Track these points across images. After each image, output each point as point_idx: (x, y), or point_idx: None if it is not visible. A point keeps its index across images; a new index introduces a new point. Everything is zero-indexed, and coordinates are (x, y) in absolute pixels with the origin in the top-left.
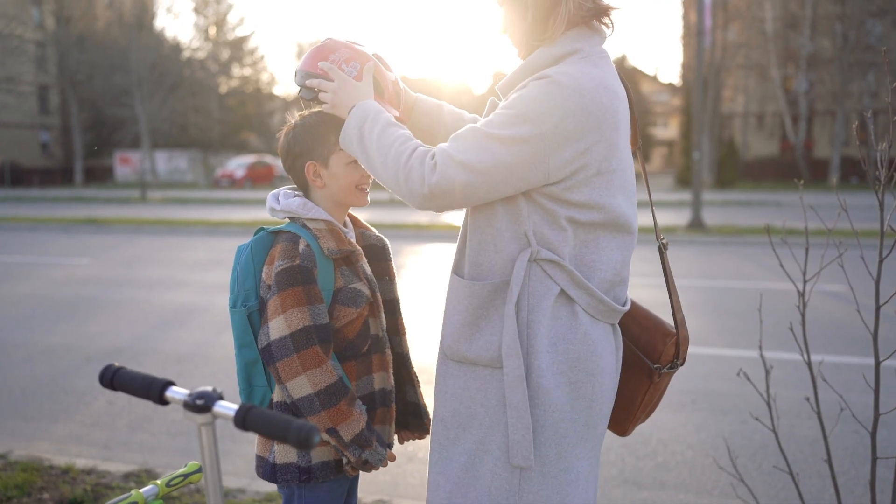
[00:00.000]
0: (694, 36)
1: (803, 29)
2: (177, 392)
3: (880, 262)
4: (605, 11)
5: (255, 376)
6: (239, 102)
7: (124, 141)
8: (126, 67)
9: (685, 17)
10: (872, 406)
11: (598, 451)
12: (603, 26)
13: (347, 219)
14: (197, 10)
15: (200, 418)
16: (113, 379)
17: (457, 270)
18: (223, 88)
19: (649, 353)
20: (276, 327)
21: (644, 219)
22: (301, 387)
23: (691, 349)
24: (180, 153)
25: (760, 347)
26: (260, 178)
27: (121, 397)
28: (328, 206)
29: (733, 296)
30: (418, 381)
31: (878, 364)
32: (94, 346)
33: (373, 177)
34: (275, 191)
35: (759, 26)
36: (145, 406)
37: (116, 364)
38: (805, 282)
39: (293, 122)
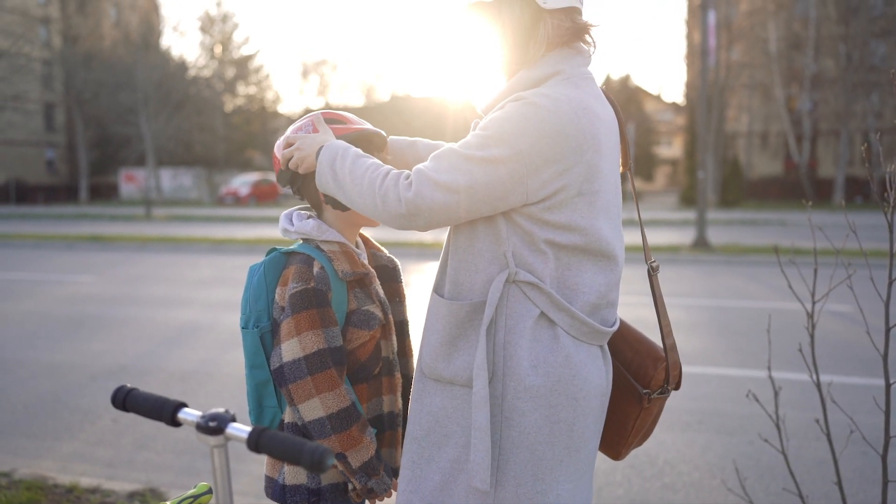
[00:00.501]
0: (697, 55)
1: (807, 49)
2: (189, 414)
3: (889, 283)
4: (584, 30)
5: (266, 397)
6: (244, 120)
7: (129, 159)
8: (132, 86)
9: (689, 36)
10: (880, 427)
11: (586, 472)
12: (585, 45)
13: (359, 239)
14: (203, 29)
15: (213, 440)
16: (125, 400)
17: (437, 289)
18: (228, 106)
19: (639, 378)
20: (290, 349)
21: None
22: (313, 409)
23: (698, 369)
24: (185, 171)
25: (769, 368)
26: (264, 195)
27: (125, 415)
28: (341, 227)
29: (739, 315)
30: None
31: (888, 386)
32: (98, 364)
33: (349, 204)
34: (287, 211)
35: (763, 46)
36: (150, 424)
37: (129, 385)
38: (814, 302)
39: None
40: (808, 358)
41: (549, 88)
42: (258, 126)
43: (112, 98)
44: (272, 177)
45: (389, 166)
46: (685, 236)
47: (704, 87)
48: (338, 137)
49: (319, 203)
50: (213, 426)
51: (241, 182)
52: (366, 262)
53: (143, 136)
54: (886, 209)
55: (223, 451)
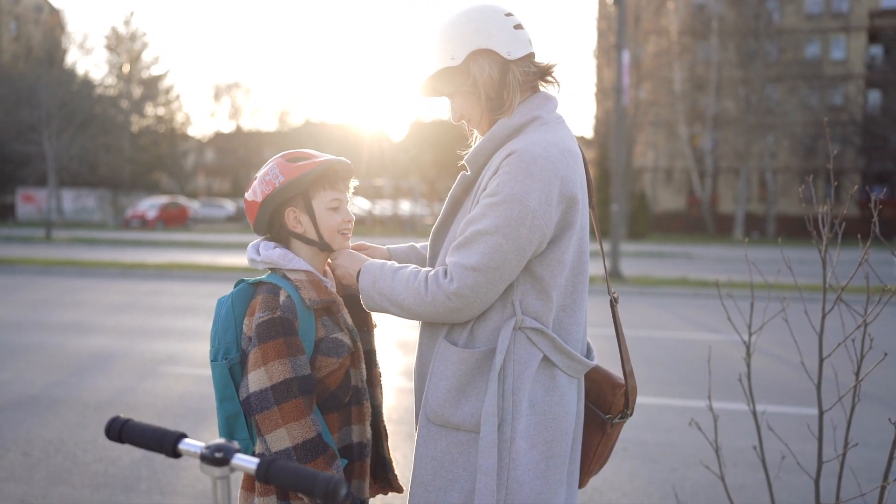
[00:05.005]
0: (607, 92)
1: (709, 90)
2: (191, 445)
3: (823, 316)
4: (547, 71)
5: (238, 429)
6: (151, 142)
7: (29, 178)
8: (34, 102)
9: (599, 73)
10: (771, 456)
11: (573, 499)
12: (550, 85)
13: (327, 268)
14: (110, 48)
15: (218, 471)
16: (121, 432)
17: (450, 338)
18: (136, 127)
19: (600, 405)
20: (256, 379)
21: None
22: (280, 440)
23: None
24: (88, 192)
25: (710, 398)
26: (173, 219)
27: (36, 449)
28: (308, 254)
29: (654, 345)
30: (387, 434)
31: (821, 414)
32: (4, 394)
33: (404, 315)
34: (254, 241)
35: (669, 86)
36: (63, 457)
37: (123, 416)
38: (751, 334)
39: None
40: (738, 388)
41: (533, 135)
42: (166, 148)
43: (11, 114)
44: (181, 200)
45: (426, 269)
46: (597, 267)
47: (620, 125)
48: (304, 174)
49: (286, 231)
50: (220, 457)
51: (149, 205)
52: (333, 289)
53: (45, 155)
54: (819, 245)
55: (226, 483)
